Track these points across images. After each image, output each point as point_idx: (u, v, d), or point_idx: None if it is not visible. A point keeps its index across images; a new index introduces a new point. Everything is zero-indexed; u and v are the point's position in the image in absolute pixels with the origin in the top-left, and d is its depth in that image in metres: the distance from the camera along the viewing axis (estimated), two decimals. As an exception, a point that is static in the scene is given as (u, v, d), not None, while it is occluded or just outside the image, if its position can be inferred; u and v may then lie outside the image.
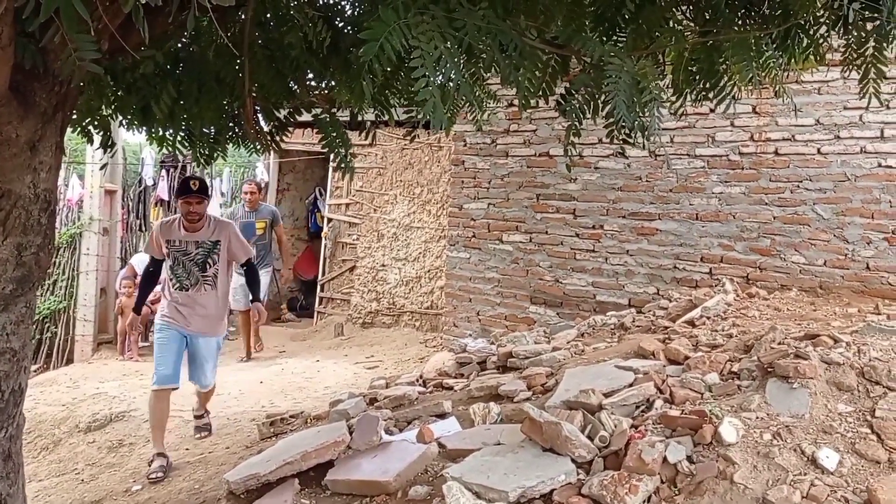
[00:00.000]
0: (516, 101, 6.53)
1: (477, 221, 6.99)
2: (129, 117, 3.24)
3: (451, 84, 1.83)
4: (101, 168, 8.57)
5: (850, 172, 5.23)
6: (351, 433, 3.56)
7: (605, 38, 2.27)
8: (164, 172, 10.46)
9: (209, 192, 4.95)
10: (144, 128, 3.42)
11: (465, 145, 7.08)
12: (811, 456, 2.55)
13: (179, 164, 10.41)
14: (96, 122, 3.31)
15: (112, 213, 9.79)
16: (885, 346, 3.10)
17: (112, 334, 9.46)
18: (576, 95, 2.12)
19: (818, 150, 5.35)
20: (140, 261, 8.85)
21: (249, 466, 3.65)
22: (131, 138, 10.47)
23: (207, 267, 4.70)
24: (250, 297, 5.29)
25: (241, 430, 5.20)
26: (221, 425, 5.33)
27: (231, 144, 3.75)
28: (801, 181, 5.42)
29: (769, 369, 3.07)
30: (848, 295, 5.15)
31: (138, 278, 8.46)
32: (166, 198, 10.35)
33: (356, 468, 3.29)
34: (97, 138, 3.37)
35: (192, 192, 4.53)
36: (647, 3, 2.20)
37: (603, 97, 2.00)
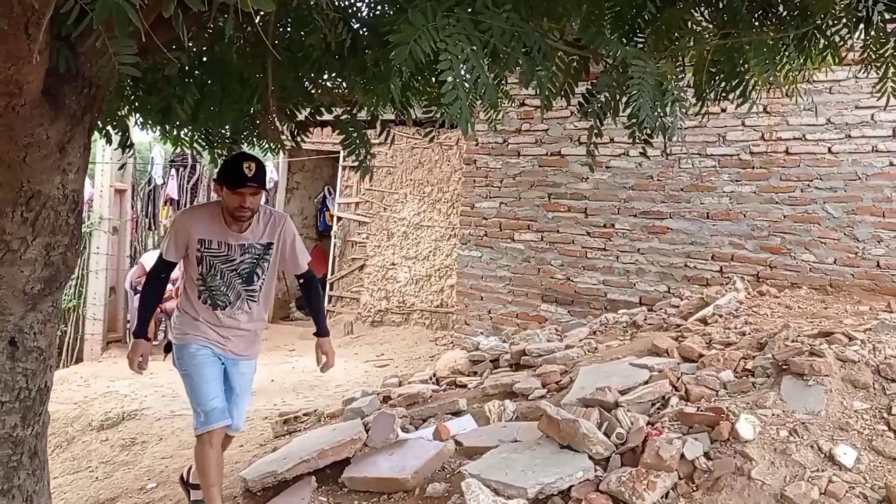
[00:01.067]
0: (528, 101, 6.59)
1: (489, 220, 7.02)
2: (147, 118, 3.29)
3: (476, 86, 1.85)
4: (120, 168, 8.61)
5: (860, 171, 5.24)
6: (367, 431, 3.59)
7: (625, 40, 2.30)
8: (173, 171, 10.51)
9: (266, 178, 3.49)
10: (159, 127, 3.46)
11: (477, 144, 7.11)
12: (828, 453, 2.58)
13: (189, 164, 10.45)
14: (115, 123, 3.35)
15: (122, 212, 9.84)
16: (900, 344, 3.11)
17: (121, 333, 9.51)
18: (598, 97, 2.15)
19: (829, 149, 5.36)
20: (150, 259, 8.89)
21: (266, 464, 3.68)
22: (141, 137, 10.52)
23: (254, 279, 3.26)
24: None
25: (254, 429, 5.23)
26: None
27: (247, 144, 3.80)
28: (812, 180, 5.43)
29: (784, 367, 3.09)
30: (858, 293, 5.17)
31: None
32: (176, 196, 10.40)
33: (373, 465, 3.32)
34: (115, 138, 3.41)
35: (246, 179, 2.97)
36: (668, 5, 2.22)
37: (625, 98, 2.03)
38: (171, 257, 3.22)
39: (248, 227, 3.17)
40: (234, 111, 2.89)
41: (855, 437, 2.65)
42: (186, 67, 2.85)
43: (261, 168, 3.05)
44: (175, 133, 3.47)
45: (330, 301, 9.63)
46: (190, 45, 2.73)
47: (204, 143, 3.58)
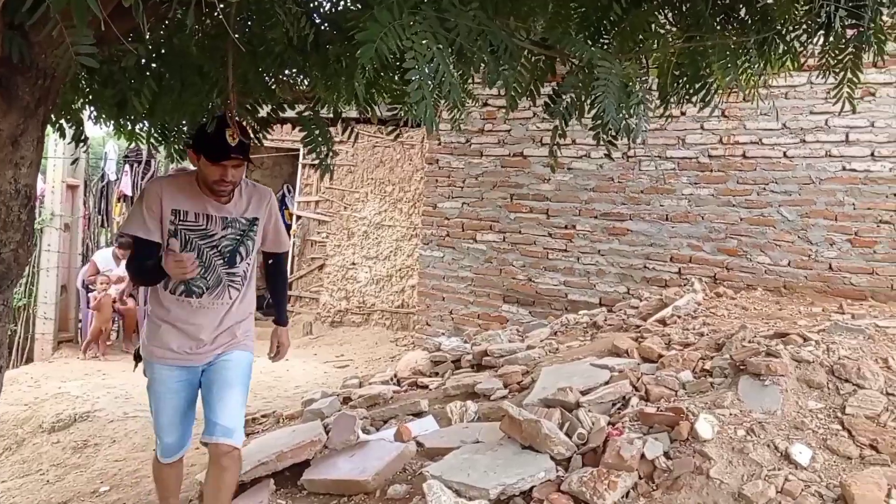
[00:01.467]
0: (491, 102, 6.59)
1: (451, 220, 7.01)
2: (102, 111, 3.19)
3: (442, 85, 1.83)
4: (72, 163, 8.39)
5: (814, 175, 5.36)
6: (327, 432, 3.55)
7: (591, 41, 2.30)
8: (127, 167, 10.28)
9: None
10: (113, 121, 3.37)
11: (439, 144, 7.09)
12: (784, 451, 2.62)
13: (143, 160, 10.24)
14: (69, 116, 3.25)
15: (74, 208, 9.59)
16: (854, 345, 3.19)
17: (73, 332, 9.27)
18: (563, 97, 2.15)
19: (784, 153, 5.47)
20: (103, 258, 8.68)
21: (223, 466, 3.61)
22: (94, 132, 10.27)
23: (237, 260, 2.81)
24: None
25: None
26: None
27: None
28: (768, 184, 5.54)
29: (741, 367, 3.14)
30: (811, 295, 5.28)
31: (100, 275, 8.36)
32: (129, 193, 10.17)
33: (333, 467, 3.28)
34: (69, 132, 3.31)
35: (230, 150, 2.58)
36: (633, 7, 2.24)
37: (590, 99, 2.03)
38: (148, 234, 2.67)
39: (231, 200, 2.77)
40: (193, 105, 2.82)
41: (810, 436, 2.70)
42: (144, 60, 2.77)
43: (245, 135, 2.67)
44: (130, 127, 3.38)
45: (289, 301, 9.51)
46: (148, 36, 2.66)
47: (160, 138, 3.49)
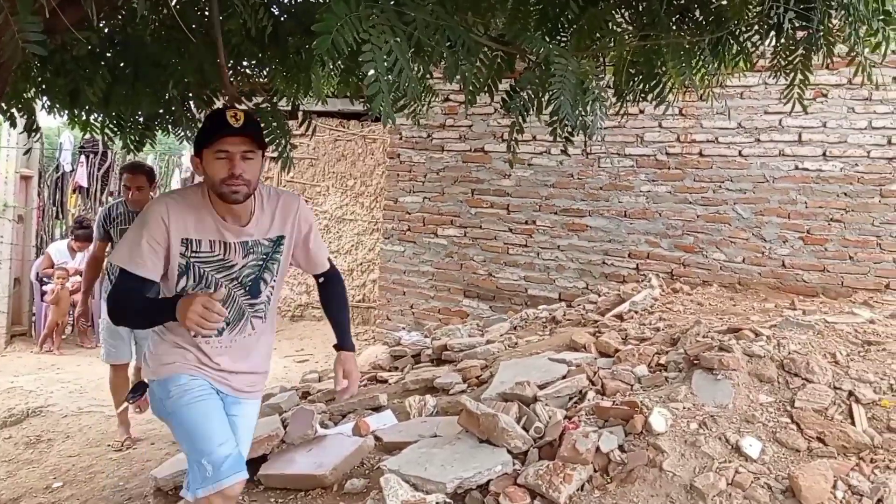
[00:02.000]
0: (452, 97, 6.59)
1: (412, 215, 7.00)
2: (55, 101, 3.12)
3: (399, 79, 1.83)
4: (25, 153, 8.18)
5: (768, 174, 5.47)
6: (285, 427, 3.53)
7: (549, 38, 2.32)
8: (83, 158, 10.05)
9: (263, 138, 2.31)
10: (67, 112, 3.30)
11: (400, 139, 7.08)
12: (735, 444, 2.67)
13: (100, 150, 10.02)
14: (20, 105, 3.17)
15: (27, 199, 9.34)
16: (803, 340, 3.26)
17: (26, 326, 9.05)
18: (521, 93, 2.16)
19: (739, 152, 5.58)
20: (57, 250, 8.49)
21: (178, 462, 3.58)
22: (49, 122, 10.02)
23: (261, 288, 2.34)
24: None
25: (165, 426, 5.06)
26: (145, 421, 5.18)
27: (161, 131, 3.66)
28: (723, 181, 5.64)
29: (695, 361, 3.20)
30: (765, 291, 5.40)
31: (58, 268, 8.17)
32: (85, 184, 9.95)
33: (290, 462, 3.26)
34: (21, 122, 3.22)
35: (232, 128, 2.06)
36: (590, 6, 2.26)
37: (547, 96, 2.04)
38: (145, 272, 2.11)
39: (251, 216, 2.23)
40: (149, 96, 2.77)
41: (760, 429, 2.76)
42: (97, 49, 2.72)
43: (253, 121, 2.14)
44: (84, 118, 3.31)
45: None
46: (102, 25, 2.61)
47: (115, 129, 3.43)
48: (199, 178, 2.47)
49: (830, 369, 3.01)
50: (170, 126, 3.55)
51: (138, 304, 2.16)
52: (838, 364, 3.08)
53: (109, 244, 4.47)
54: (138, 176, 4.48)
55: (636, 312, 4.68)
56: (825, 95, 5.21)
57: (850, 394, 2.87)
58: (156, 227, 2.13)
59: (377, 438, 3.32)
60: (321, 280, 2.58)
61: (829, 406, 2.82)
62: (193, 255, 2.19)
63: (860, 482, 2.45)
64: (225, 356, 2.31)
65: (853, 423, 2.73)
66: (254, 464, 3.32)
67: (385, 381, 4.46)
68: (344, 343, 2.57)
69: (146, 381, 2.37)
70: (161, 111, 3.30)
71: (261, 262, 2.30)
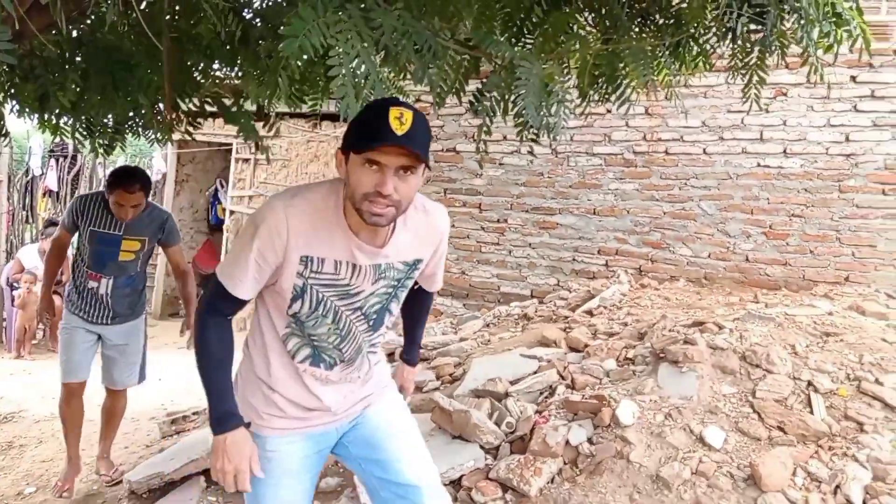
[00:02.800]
0: (423, 98, 6.61)
1: (383, 215, 7.02)
2: (24, 105, 3.11)
3: (366, 82, 1.87)
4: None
5: (732, 171, 5.59)
6: (259, 427, 3.54)
7: (513, 41, 2.38)
8: (52, 162, 9.93)
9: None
10: (37, 115, 3.29)
11: (370, 139, 7.09)
12: (699, 434, 2.76)
13: (70, 154, 9.91)
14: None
15: (-5, 204, 9.21)
16: (764, 332, 3.36)
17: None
18: (487, 95, 2.22)
19: (704, 150, 5.69)
20: (28, 255, 8.37)
21: (151, 465, 3.59)
22: (18, 126, 9.87)
23: (385, 319, 1.89)
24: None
25: (139, 430, 5.04)
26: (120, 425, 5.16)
27: (131, 134, 3.66)
28: (689, 179, 5.75)
29: (661, 355, 3.28)
30: (730, 285, 5.52)
31: (27, 273, 8.05)
32: (55, 188, 9.83)
33: (265, 462, 3.28)
34: (-10, 126, 3.20)
35: (395, 136, 1.53)
36: (554, 9, 2.32)
37: (513, 98, 2.10)
38: (243, 293, 1.71)
39: (391, 235, 1.74)
40: (119, 100, 2.77)
41: (723, 419, 2.85)
42: (67, 54, 2.71)
43: (421, 127, 1.58)
44: (54, 121, 3.30)
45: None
46: (71, 29, 2.62)
47: (86, 133, 3.42)
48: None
49: (790, 360, 3.11)
50: (140, 129, 3.55)
51: (212, 363, 1.74)
52: (798, 355, 3.18)
53: (76, 236, 3.66)
54: (134, 192, 3.37)
55: (605, 308, 4.77)
56: (785, 94, 5.34)
57: (809, 383, 2.97)
58: (270, 241, 1.65)
59: (351, 436, 3.35)
60: (416, 287, 2.05)
61: (789, 396, 2.92)
62: (313, 276, 1.70)
63: (818, 469, 2.54)
64: (332, 392, 1.85)
65: (812, 412, 2.83)
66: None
67: (359, 381, 4.48)
68: (410, 356, 2.32)
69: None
70: (132, 114, 3.30)
71: (390, 291, 1.81)
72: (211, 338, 1.74)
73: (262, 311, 1.83)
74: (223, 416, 1.68)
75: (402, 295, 1.87)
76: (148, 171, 10.70)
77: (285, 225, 1.65)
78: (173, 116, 2.56)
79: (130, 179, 3.35)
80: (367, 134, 1.57)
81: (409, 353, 2.32)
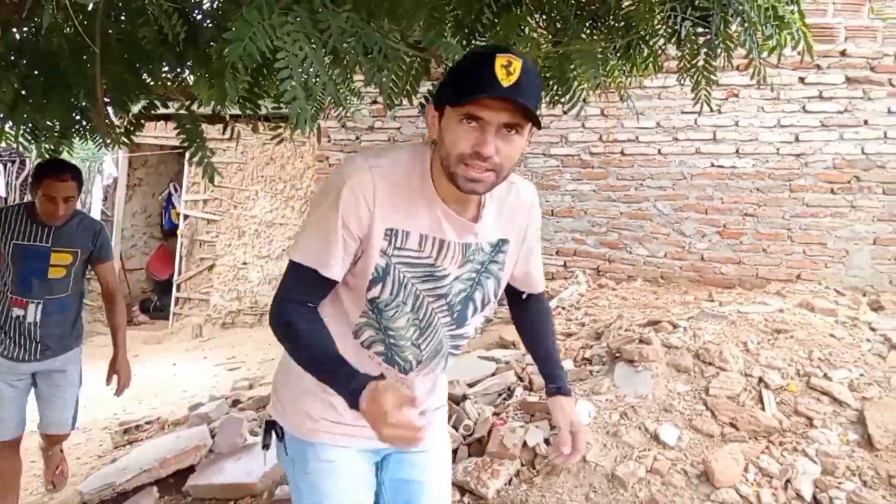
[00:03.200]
0: (380, 99, 6.59)
1: (341, 218, 6.98)
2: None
3: (316, 83, 1.85)
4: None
5: (686, 171, 5.68)
6: (213, 437, 3.49)
7: (464, 43, 2.37)
8: (-1, 167, 9.67)
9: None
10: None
11: (329, 141, 7.05)
12: (654, 433, 2.79)
13: (18, 159, 9.64)
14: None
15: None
16: (717, 330, 3.41)
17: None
18: (438, 98, 2.20)
19: (659, 150, 5.77)
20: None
21: (103, 476, 3.51)
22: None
23: (470, 313, 1.58)
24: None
25: (91, 440, 4.92)
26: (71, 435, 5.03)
27: (78, 139, 3.56)
28: (644, 179, 5.82)
29: (617, 354, 3.31)
30: (685, 284, 5.60)
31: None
32: (3, 194, 9.55)
33: (219, 472, 3.23)
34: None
35: (501, 87, 1.28)
36: (505, 12, 2.32)
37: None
38: (334, 274, 1.43)
39: (482, 208, 1.50)
40: (61, 103, 2.70)
41: (677, 417, 2.88)
42: (9, 57, 2.63)
43: (531, 78, 1.34)
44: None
45: (177, 303, 9.20)
46: (13, 32, 2.54)
47: (30, 138, 3.32)
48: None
49: (742, 357, 3.16)
50: (88, 134, 3.46)
51: (315, 351, 1.41)
52: (749, 352, 3.23)
53: None
54: (66, 182, 2.97)
55: (563, 308, 4.80)
56: (737, 95, 5.44)
57: (760, 380, 3.03)
58: (355, 207, 1.39)
59: (308, 443, 3.32)
60: (525, 295, 1.77)
61: (741, 392, 2.96)
62: (397, 253, 1.45)
63: (770, 464, 2.59)
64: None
65: (763, 408, 2.88)
66: (182, 475, 3.28)
67: (317, 386, 4.44)
68: (559, 382, 1.73)
69: (274, 419, 1.64)
70: (78, 118, 3.21)
71: (474, 276, 1.54)
72: (307, 332, 1.41)
73: (331, 303, 1.51)
74: (347, 380, 1.31)
75: (488, 285, 1.56)
76: (98, 176, 10.54)
77: (372, 187, 1.39)
78: (107, 122, 2.48)
79: (60, 167, 2.99)
80: (466, 84, 1.33)
81: (555, 377, 1.73)
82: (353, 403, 1.29)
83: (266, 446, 1.67)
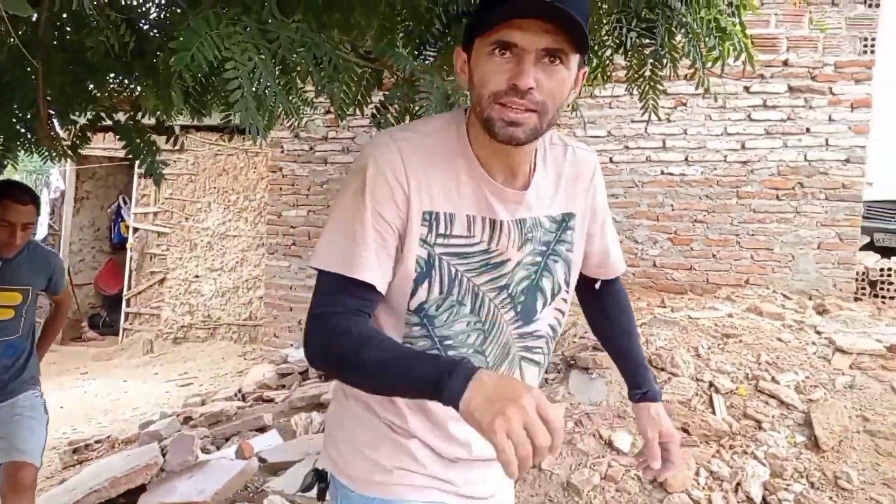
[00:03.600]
0: (333, 109, 6.56)
1: (297, 229, 6.92)
2: None
3: (266, 93, 1.83)
4: None
5: (637, 179, 5.77)
6: (164, 455, 3.41)
7: (416, 54, 2.37)
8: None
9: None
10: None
11: (282, 152, 6.99)
12: (608, 440, 2.81)
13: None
14: None
15: None
16: (669, 336, 3.47)
17: None
18: (389, 108, 2.20)
19: (610, 158, 5.85)
20: None
21: (51, 498, 3.40)
22: None
23: (539, 306, 1.28)
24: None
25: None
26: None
27: (23, 151, 3.46)
28: (598, 188, 5.89)
29: (572, 362, 3.34)
30: (639, 290, 5.68)
31: None
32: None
33: (171, 491, 3.16)
34: None
35: (538, 5, 1.03)
36: (454, 23, 2.32)
37: (416, 110, 2.09)
38: (373, 277, 1.14)
39: (532, 173, 1.23)
40: (5, 116, 2.62)
41: (631, 423, 2.91)
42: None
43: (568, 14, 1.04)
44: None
45: (127, 318, 8.99)
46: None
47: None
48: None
49: (693, 362, 3.22)
50: (33, 147, 3.36)
51: (371, 351, 1.06)
52: (700, 357, 3.29)
53: None
54: (26, 205, 2.66)
55: (519, 317, 4.82)
56: (685, 104, 5.56)
57: (711, 384, 3.08)
58: (387, 190, 1.15)
59: (261, 460, 3.27)
60: (598, 284, 1.50)
61: (692, 397, 3.01)
62: (442, 242, 1.18)
63: (720, 468, 2.63)
64: (468, 436, 1.22)
65: (714, 412, 2.93)
66: (132, 494, 3.19)
67: (271, 401, 4.39)
68: (645, 386, 1.48)
69: (325, 470, 1.32)
70: (23, 130, 3.13)
71: (538, 260, 1.26)
72: (358, 336, 1.08)
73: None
74: (442, 367, 0.97)
75: (560, 271, 1.29)
76: (45, 190, 10.26)
77: (401, 164, 1.14)
78: (52, 135, 2.40)
79: (20, 188, 2.69)
80: (493, 7, 1.05)
81: (641, 381, 1.48)
82: (455, 385, 0.94)
83: (322, 496, 1.33)
